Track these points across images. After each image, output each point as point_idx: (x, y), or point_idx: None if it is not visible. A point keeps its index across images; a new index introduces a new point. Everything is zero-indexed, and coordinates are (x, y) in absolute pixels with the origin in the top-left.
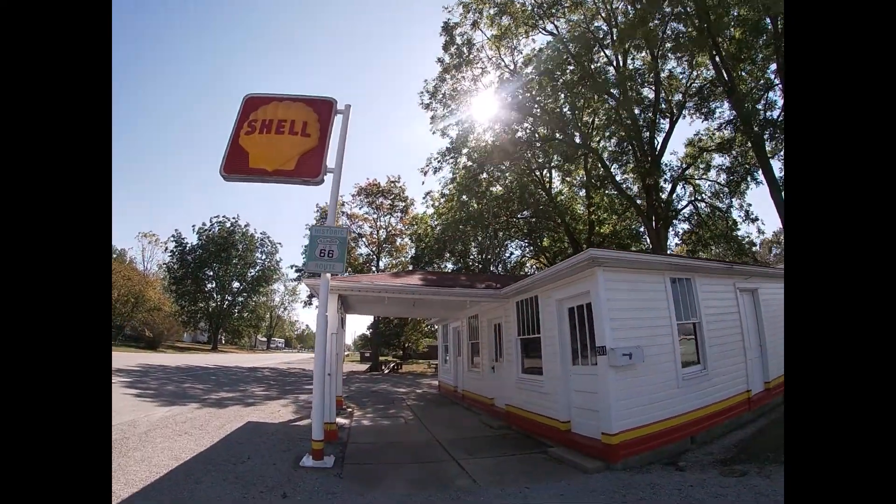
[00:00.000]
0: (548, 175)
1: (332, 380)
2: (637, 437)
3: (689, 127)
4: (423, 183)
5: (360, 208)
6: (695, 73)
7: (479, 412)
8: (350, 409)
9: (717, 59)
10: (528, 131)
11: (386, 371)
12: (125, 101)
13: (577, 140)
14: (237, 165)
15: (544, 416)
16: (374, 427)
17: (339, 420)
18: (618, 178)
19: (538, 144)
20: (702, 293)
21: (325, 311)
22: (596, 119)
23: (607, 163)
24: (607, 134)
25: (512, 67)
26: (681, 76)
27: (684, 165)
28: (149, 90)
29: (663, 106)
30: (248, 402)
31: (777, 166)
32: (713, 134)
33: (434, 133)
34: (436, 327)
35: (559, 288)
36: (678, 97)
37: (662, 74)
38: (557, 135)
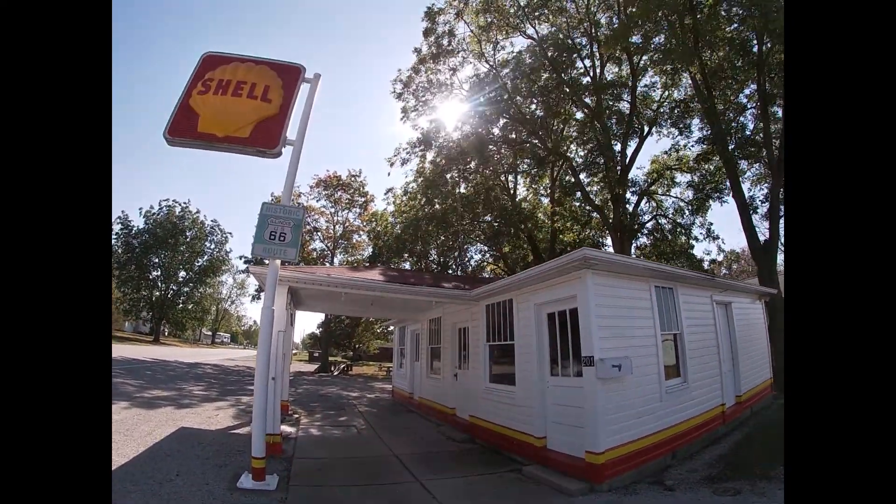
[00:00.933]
0: (513, 181)
1: (278, 384)
2: (622, 454)
3: (655, 144)
4: (388, 174)
5: (317, 201)
6: (670, 91)
7: (438, 422)
8: (297, 416)
9: (700, 75)
10: (500, 131)
11: (336, 373)
12: None
13: (549, 145)
14: (184, 128)
15: (515, 430)
16: (325, 438)
17: (285, 428)
18: (587, 187)
19: (508, 147)
20: (683, 304)
21: (271, 303)
22: (567, 128)
23: (577, 171)
24: (579, 142)
25: (491, 64)
26: (655, 93)
27: (650, 181)
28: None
29: (635, 121)
30: (183, 402)
31: (746, 186)
32: (681, 152)
33: (405, 122)
34: (391, 329)
35: (539, 291)
36: (650, 112)
37: (639, 88)
38: (530, 139)
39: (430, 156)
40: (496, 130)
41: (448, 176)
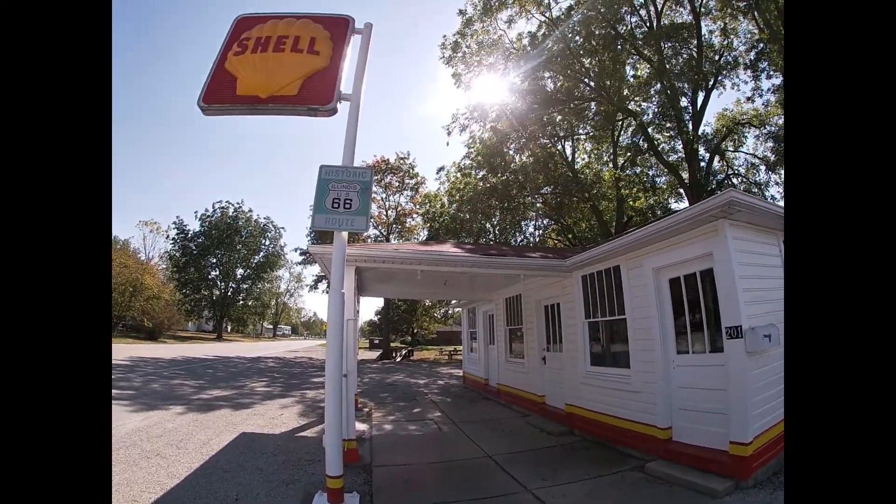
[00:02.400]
0: (570, 149)
1: (351, 380)
2: (766, 442)
3: (717, 100)
4: (447, 144)
5: None
6: (730, 38)
7: (523, 411)
8: (368, 409)
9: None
10: (562, 89)
11: (398, 359)
12: (119, 90)
13: (615, 101)
14: (220, 93)
15: (631, 420)
16: (402, 437)
17: (358, 426)
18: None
19: (572, 105)
20: None
21: (340, 285)
22: (629, 86)
23: (646, 127)
24: (644, 97)
25: (547, 16)
26: (716, 39)
27: (720, 137)
28: (146, 73)
29: (703, 70)
30: (245, 402)
31: None
32: (755, 102)
33: (458, 87)
34: (451, 312)
35: (657, 253)
36: (710, 64)
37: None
38: (594, 95)
39: (490, 117)
40: (558, 87)
41: (507, 147)
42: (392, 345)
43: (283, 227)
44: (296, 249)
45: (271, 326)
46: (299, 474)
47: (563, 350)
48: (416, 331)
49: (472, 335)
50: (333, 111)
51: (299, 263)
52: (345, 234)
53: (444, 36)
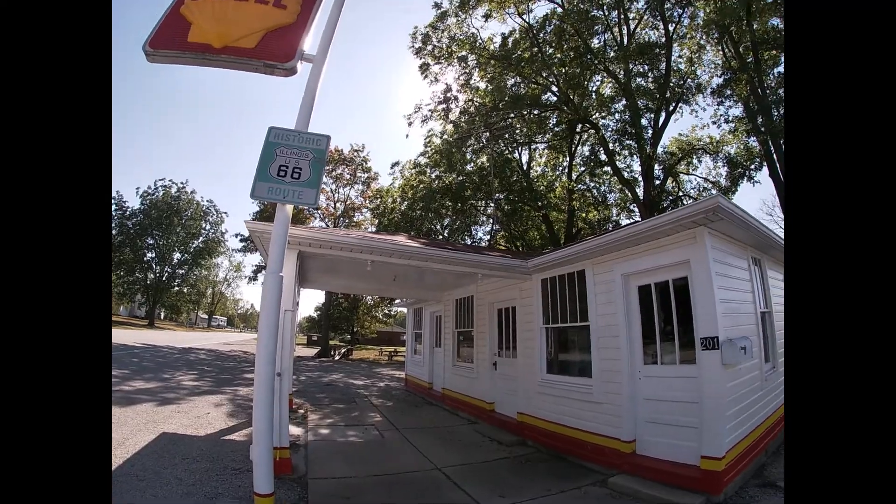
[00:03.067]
0: (527, 156)
1: (285, 380)
2: (736, 456)
3: (674, 124)
4: (406, 136)
5: None
6: (696, 65)
7: (471, 418)
8: (303, 411)
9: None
10: (528, 95)
11: (337, 357)
12: None
13: (580, 113)
14: (170, 39)
15: (592, 432)
16: (341, 444)
17: (292, 430)
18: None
19: (535, 112)
20: (771, 278)
21: (279, 267)
22: (593, 99)
23: (607, 142)
24: (607, 111)
25: (523, 20)
26: (683, 65)
27: (675, 159)
28: None
29: (669, 92)
30: (170, 397)
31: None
32: (719, 127)
33: (425, 78)
34: (394, 311)
35: (629, 258)
36: (675, 87)
37: (673, 57)
38: (561, 105)
39: (455, 112)
40: (524, 91)
41: (465, 146)
42: (331, 342)
43: (225, 212)
44: (236, 235)
45: (206, 316)
46: (224, 486)
47: (517, 356)
48: (356, 329)
49: (417, 336)
50: (293, 71)
51: (239, 251)
52: (289, 209)
53: (416, 27)
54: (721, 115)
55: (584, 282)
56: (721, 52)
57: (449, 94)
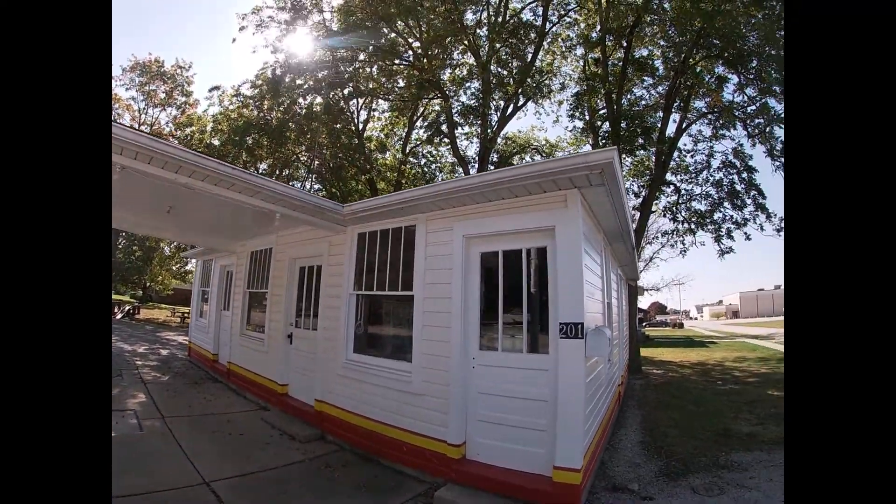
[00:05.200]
0: (365, 114)
1: None
2: (587, 461)
3: (515, 121)
4: (234, 40)
5: (126, 89)
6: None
7: (259, 403)
8: None
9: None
10: (388, 41)
11: (119, 316)
12: None
13: (433, 77)
14: None
15: (411, 430)
16: None
17: None
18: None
19: (388, 62)
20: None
21: None
22: (453, 69)
23: (452, 115)
24: (460, 88)
25: None
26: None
27: (510, 152)
28: None
29: (527, 82)
30: None
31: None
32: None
33: None
34: (191, 264)
35: (477, 216)
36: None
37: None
38: (416, 61)
39: (299, 31)
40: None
41: (303, 79)
42: (117, 297)
43: None
44: None
45: None
46: None
47: (318, 328)
48: (148, 284)
49: (205, 296)
50: None
51: None
52: None
53: None
54: (565, 122)
55: (412, 241)
56: (583, 65)
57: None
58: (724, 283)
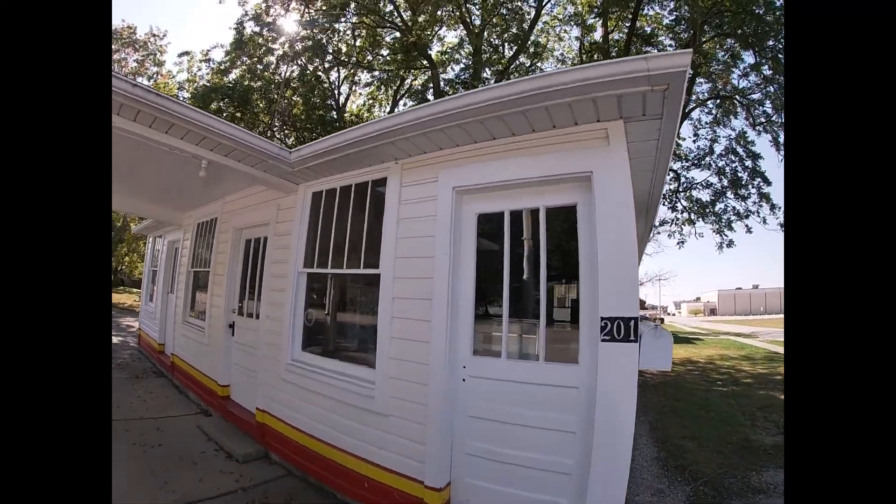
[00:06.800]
0: (347, 90)
1: None
2: None
3: None
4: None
5: None
6: None
7: (202, 406)
8: None
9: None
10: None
11: None
12: None
13: (421, 44)
14: None
15: (374, 463)
16: None
17: None
18: None
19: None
20: None
21: None
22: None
23: (441, 89)
24: (450, 60)
25: None
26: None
27: None
28: None
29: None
30: None
31: None
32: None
33: None
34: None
35: (473, 160)
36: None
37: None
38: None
39: None
40: None
41: (278, 43)
42: None
43: None
44: None
45: None
46: None
47: (262, 315)
48: (119, 268)
49: (154, 276)
50: None
51: None
52: None
53: None
54: None
55: (382, 198)
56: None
57: None
58: (701, 280)
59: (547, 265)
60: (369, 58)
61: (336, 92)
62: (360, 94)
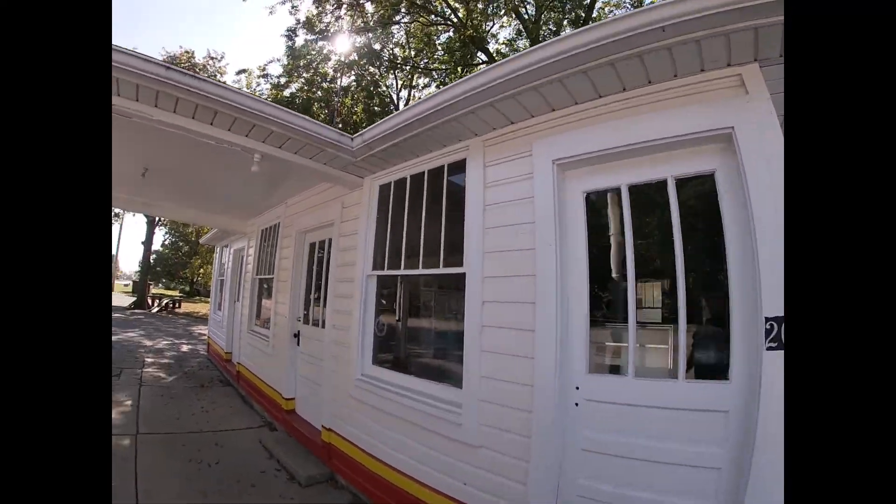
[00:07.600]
0: (406, 94)
1: None
2: None
3: None
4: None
5: None
6: None
7: (266, 419)
8: None
9: None
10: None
11: (155, 309)
12: None
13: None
14: None
15: (461, 502)
16: None
17: None
18: None
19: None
20: None
21: None
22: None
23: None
24: (514, 49)
25: None
26: None
27: None
28: None
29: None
30: None
31: None
32: None
33: None
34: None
35: (579, 126)
36: None
37: None
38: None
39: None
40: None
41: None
42: (156, 291)
43: None
44: None
45: None
46: None
47: (328, 325)
48: (195, 279)
49: (222, 285)
50: None
51: None
52: None
53: None
54: None
55: (461, 186)
56: None
57: None
58: None
59: (683, 252)
60: (425, 61)
61: (395, 97)
62: (419, 98)
